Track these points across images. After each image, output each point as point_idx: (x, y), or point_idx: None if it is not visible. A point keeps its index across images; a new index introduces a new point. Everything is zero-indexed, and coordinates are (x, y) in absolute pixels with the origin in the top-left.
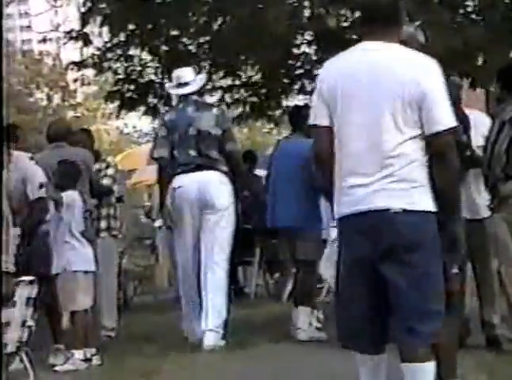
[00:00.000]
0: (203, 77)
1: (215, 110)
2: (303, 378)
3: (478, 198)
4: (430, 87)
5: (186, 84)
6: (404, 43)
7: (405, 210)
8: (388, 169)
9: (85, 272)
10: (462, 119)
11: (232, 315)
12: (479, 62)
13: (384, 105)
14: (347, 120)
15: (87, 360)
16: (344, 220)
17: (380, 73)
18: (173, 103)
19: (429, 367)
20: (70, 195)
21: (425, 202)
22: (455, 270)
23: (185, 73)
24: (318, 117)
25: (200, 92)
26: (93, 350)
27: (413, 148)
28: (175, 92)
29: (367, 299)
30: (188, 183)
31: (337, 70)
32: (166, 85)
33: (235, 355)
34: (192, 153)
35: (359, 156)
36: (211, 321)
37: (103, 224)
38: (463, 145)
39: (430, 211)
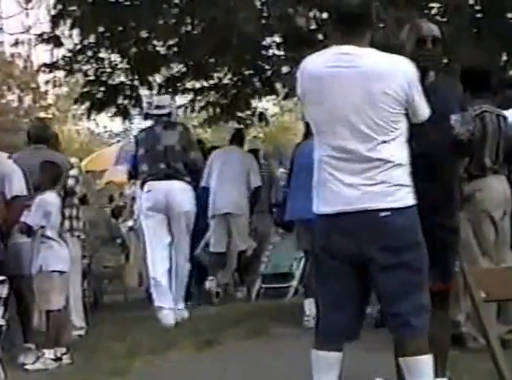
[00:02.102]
0: (175, 105)
1: (179, 127)
2: (272, 375)
3: None
4: (411, 87)
5: (163, 107)
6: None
7: (392, 210)
8: (372, 171)
9: (61, 272)
10: None
11: (201, 313)
12: (445, 62)
13: (363, 109)
14: (325, 120)
15: (58, 359)
16: (327, 218)
17: (358, 77)
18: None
19: (429, 360)
20: (49, 196)
21: (409, 199)
22: (456, 268)
23: (163, 99)
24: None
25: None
26: (64, 349)
27: (395, 150)
28: (153, 112)
29: (343, 295)
30: (156, 188)
31: (315, 71)
32: (147, 107)
33: (205, 353)
34: (162, 165)
35: (342, 156)
36: (172, 300)
37: (66, 225)
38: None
39: (414, 205)
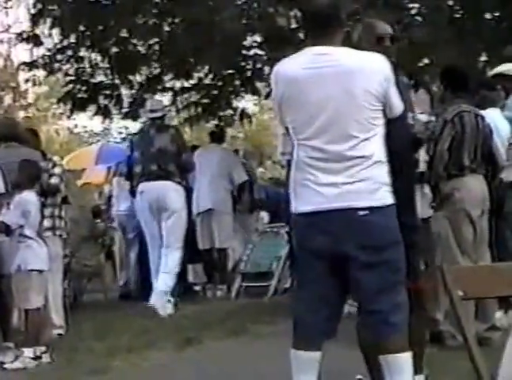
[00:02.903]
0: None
1: (171, 130)
2: (252, 374)
3: (421, 197)
4: (388, 82)
5: (156, 111)
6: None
7: (371, 209)
8: (353, 168)
9: (40, 271)
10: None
11: (182, 312)
12: (424, 63)
13: (344, 108)
14: (307, 122)
15: (37, 358)
16: (305, 217)
17: (338, 76)
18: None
19: (408, 357)
20: (28, 195)
21: (389, 198)
22: (422, 267)
23: (156, 102)
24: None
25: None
26: (43, 348)
27: (375, 147)
28: (147, 116)
29: (322, 294)
30: (149, 189)
31: (291, 74)
32: (141, 110)
33: (185, 352)
34: (153, 167)
35: (323, 156)
36: (160, 286)
37: (47, 223)
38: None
39: (393, 204)
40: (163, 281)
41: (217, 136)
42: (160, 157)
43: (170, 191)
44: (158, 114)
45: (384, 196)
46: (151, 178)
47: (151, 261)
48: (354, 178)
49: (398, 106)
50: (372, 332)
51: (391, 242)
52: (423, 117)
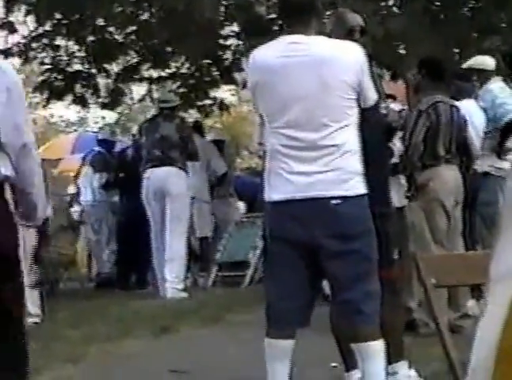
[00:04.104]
0: (177, 98)
1: (177, 120)
2: (228, 362)
3: (396, 187)
4: (363, 72)
5: (167, 101)
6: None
7: (343, 198)
8: (326, 157)
9: None
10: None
11: (157, 301)
12: (400, 53)
13: (318, 97)
14: (280, 110)
15: None
16: (278, 205)
17: (312, 65)
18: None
19: (381, 345)
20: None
21: (361, 188)
22: (394, 256)
23: (167, 94)
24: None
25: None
26: None
27: (349, 136)
28: (160, 106)
29: (294, 283)
30: (154, 175)
31: (266, 62)
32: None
33: (161, 340)
34: (157, 152)
35: (296, 145)
36: (169, 276)
37: None
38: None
39: (366, 194)
40: (170, 271)
41: (196, 128)
42: (164, 144)
43: (173, 177)
44: (170, 104)
45: (356, 186)
46: (156, 164)
47: (154, 249)
48: (327, 167)
49: (372, 96)
50: (344, 320)
51: (363, 232)
52: (396, 106)
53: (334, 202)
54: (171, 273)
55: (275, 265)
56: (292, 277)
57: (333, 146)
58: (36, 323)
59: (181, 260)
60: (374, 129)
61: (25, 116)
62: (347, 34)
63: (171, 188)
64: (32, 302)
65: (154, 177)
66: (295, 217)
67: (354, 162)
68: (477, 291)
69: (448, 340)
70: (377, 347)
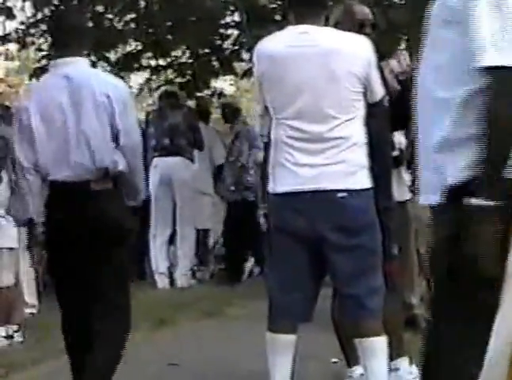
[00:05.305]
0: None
1: (184, 109)
2: (227, 355)
3: (399, 180)
4: (370, 65)
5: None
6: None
7: (349, 191)
8: (333, 150)
9: (10, 249)
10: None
11: (156, 294)
12: (402, 44)
13: (327, 88)
14: (287, 101)
15: (9, 337)
16: (282, 197)
17: (321, 57)
18: None
19: (383, 341)
20: None
21: (366, 181)
22: (395, 251)
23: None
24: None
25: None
26: (15, 327)
27: (356, 129)
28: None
29: (297, 276)
30: (162, 164)
31: (274, 52)
32: None
33: (159, 333)
34: (166, 141)
35: (303, 136)
36: (181, 265)
37: None
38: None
39: (371, 188)
40: (182, 263)
41: (202, 116)
42: (172, 133)
43: (180, 167)
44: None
45: (362, 179)
46: (164, 154)
47: (151, 235)
48: (332, 160)
49: (379, 91)
50: (347, 315)
51: (368, 226)
52: None
53: (339, 195)
54: (183, 260)
55: (278, 259)
56: (294, 271)
57: (339, 138)
58: (32, 314)
59: (192, 248)
60: (380, 124)
61: (136, 123)
62: (358, 28)
63: (178, 178)
64: (29, 292)
65: (162, 166)
66: (299, 209)
67: (360, 155)
68: None
69: None
70: (380, 342)
